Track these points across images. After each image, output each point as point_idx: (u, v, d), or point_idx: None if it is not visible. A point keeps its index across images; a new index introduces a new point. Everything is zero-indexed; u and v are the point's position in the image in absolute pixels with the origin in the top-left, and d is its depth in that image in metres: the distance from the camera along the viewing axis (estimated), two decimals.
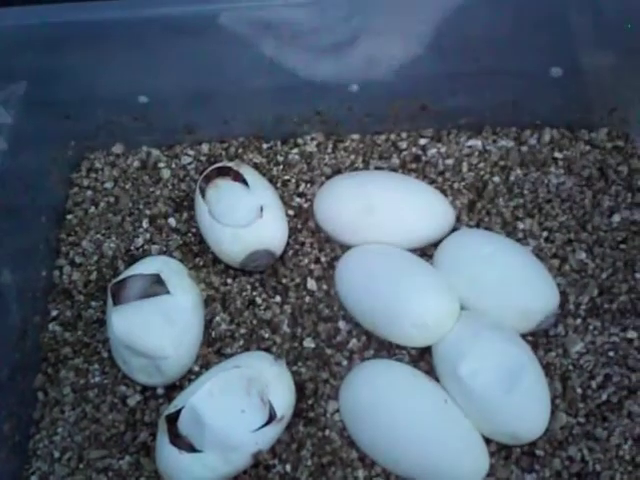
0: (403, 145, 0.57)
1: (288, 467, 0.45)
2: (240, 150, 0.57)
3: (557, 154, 0.56)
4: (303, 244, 0.53)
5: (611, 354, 0.47)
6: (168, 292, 0.47)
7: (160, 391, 0.48)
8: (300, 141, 0.58)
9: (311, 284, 0.51)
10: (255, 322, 0.50)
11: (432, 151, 0.57)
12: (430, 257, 0.51)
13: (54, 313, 0.51)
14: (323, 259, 0.52)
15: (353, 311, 0.49)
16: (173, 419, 0.43)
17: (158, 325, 0.46)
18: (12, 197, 0.50)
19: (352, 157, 0.57)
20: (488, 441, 0.44)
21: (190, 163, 0.57)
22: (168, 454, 0.43)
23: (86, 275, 0.53)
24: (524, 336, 0.47)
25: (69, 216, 0.56)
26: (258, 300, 0.51)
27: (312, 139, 0.58)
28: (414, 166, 0.56)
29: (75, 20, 0.49)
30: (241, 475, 0.44)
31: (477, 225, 0.53)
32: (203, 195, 0.52)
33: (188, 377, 0.48)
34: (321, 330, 0.49)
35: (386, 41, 0.52)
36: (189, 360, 0.48)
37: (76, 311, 0.51)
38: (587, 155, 0.56)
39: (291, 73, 0.53)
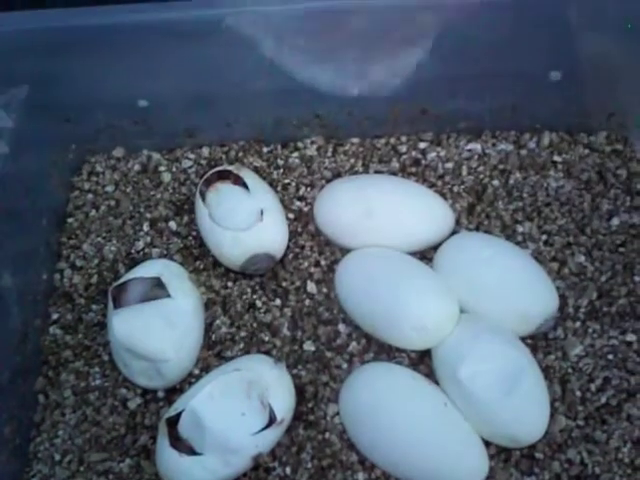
0: (403, 149, 0.57)
1: (288, 470, 0.45)
2: (240, 154, 0.57)
3: (556, 158, 0.56)
4: (303, 247, 0.53)
5: (610, 357, 0.47)
6: (169, 295, 0.48)
7: (160, 394, 0.48)
8: (300, 145, 0.58)
9: (311, 287, 0.51)
10: (255, 325, 0.50)
11: (432, 155, 0.57)
12: (430, 260, 0.51)
13: (55, 316, 0.51)
14: (323, 262, 0.52)
15: (353, 314, 0.49)
16: (173, 422, 0.43)
17: (159, 328, 0.46)
18: (13, 200, 0.50)
19: (352, 161, 0.57)
20: (487, 444, 0.44)
21: (190, 167, 0.58)
22: (168, 457, 0.43)
23: (87, 278, 0.53)
24: (523, 339, 0.47)
25: (70, 219, 0.56)
26: (258, 303, 0.51)
27: (312, 143, 0.58)
28: (414, 170, 0.56)
29: (76, 25, 0.49)
30: (241, 478, 0.44)
31: (476, 228, 0.53)
32: (203, 199, 0.52)
33: (188, 380, 0.48)
34: (321, 333, 0.49)
35: (386, 45, 0.52)
36: (189, 363, 0.48)
37: (77, 314, 0.51)
38: (586, 159, 0.56)
39: (291, 77, 0.53)
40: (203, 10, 0.50)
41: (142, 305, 0.47)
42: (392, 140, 0.58)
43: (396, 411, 0.43)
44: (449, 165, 0.56)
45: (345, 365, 0.48)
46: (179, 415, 0.43)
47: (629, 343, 0.48)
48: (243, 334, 0.50)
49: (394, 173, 0.56)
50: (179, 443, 0.43)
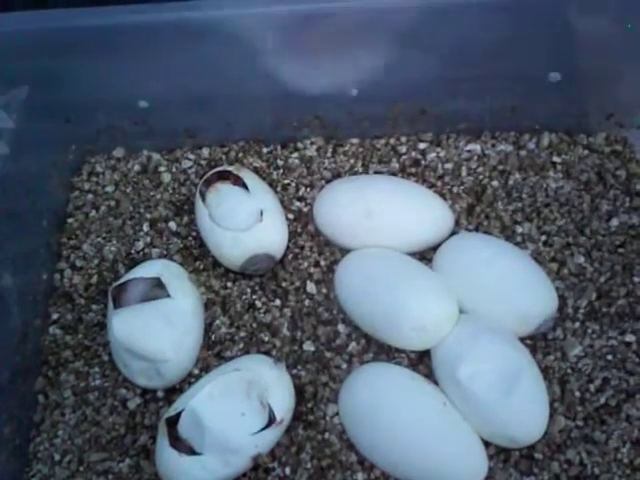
0: (402, 149, 0.57)
1: (287, 470, 0.45)
2: (240, 154, 0.57)
3: (556, 158, 0.56)
4: (303, 248, 0.53)
5: (609, 358, 0.47)
6: (168, 295, 0.48)
7: (160, 394, 0.48)
8: (300, 145, 0.58)
9: (311, 287, 0.51)
10: (255, 325, 0.50)
11: (431, 155, 0.57)
12: (429, 261, 0.51)
13: (55, 316, 0.51)
14: (323, 263, 0.52)
15: (352, 314, 0.49)
16: (173, 422, 0.43)
17: (158, 328, 0.46)
18: (13, 201, 0.50)
19: (352, 161, 0.57)
20: (487, 444, 0.44)
21: (190, 167, 0.58)
22: (168, 457, 0.43)
23: (87, 278, 0.53)
24: (523, 339, 0.47)
25: (70, 220, 0.56)
26: (258, 303, 0.51)
27: (312, 143, 0.58)
28: (413, 170, 0.56)
29: (76, 25, 0.49)
30: (241, 478, 0.44)
31: (476, 229, 0.53)
32: (203, 199, 0.52)
33: (188, 380, 0.48)
34: (320, 333, 0.49)
35: (386, 45, 0.52)
36: (189, 363, 0.48)
37: (77, 314, 0.51)
38: (585, 159, 0.56)
39: (291, 77, 0.53)
40: (203, 10, 0.50)
41: (142, 305, 0.47)
42: (392, 141, 0.58)
43: (395, 411, 0.44)
44: (449, 166, 0.56)
45: (344, 365, 0.48)
46: (179, 415, 0.43)
47: (628, 344, 0.48)
48: (243, 334, 0.50)
49: (394, 173, 0.56)
50: (179, 443, 0.43)
